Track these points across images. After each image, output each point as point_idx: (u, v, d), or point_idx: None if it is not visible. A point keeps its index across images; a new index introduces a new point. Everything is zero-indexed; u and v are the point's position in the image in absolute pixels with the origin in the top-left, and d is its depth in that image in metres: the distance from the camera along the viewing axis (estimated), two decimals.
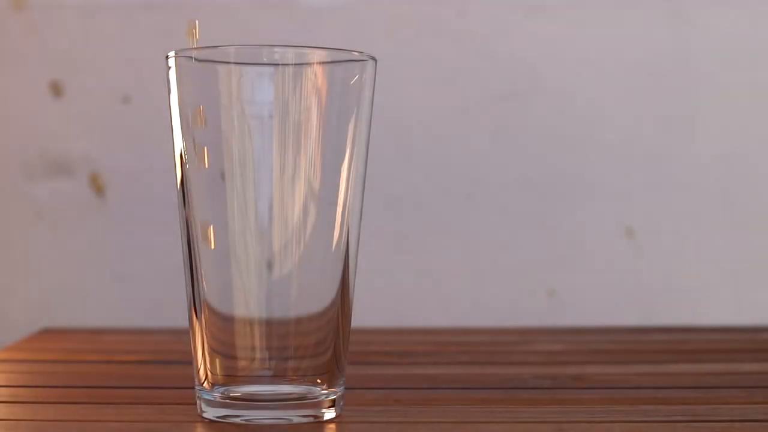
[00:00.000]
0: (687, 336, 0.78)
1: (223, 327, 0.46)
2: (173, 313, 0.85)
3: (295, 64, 0.46)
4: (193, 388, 0.48)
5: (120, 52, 0.89)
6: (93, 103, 0.89)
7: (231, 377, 0.47)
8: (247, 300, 0.47)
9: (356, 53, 0.47)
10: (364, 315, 0.74)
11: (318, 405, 0.47)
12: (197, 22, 0.44)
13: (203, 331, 0.47)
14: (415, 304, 0.90)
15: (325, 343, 0.47)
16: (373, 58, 0.48)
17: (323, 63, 0.46)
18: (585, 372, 0.60)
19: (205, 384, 0.47)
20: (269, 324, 0.46)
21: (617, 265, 0.91)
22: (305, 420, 0.46)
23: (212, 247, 0.47)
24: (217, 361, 0.47)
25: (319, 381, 0.47)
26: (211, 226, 0.47)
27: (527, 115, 0.90)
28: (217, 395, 0.47)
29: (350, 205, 0.47)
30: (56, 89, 0.89)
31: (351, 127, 0.47)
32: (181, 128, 0.47)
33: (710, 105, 0.91)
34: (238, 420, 0.46)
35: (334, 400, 0.47)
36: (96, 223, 0.89)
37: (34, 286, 0.90)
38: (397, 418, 0.48)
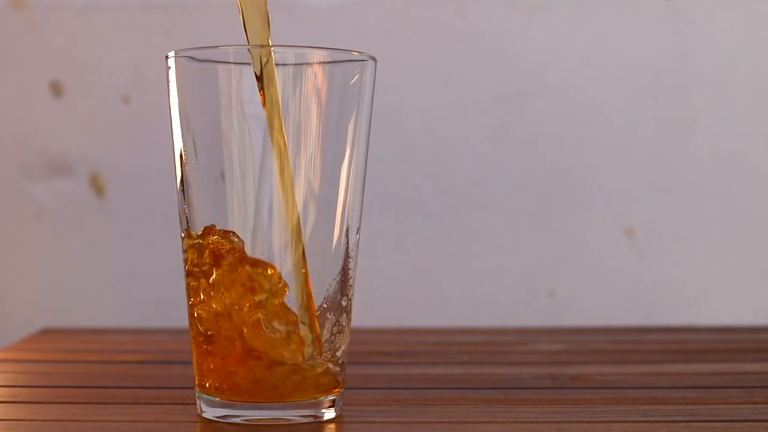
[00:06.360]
0: (687, 336, 0.78)
1: None
2: (173, 313, 0.85)
3: (295, 64, 0.46)
4: (193, 388, 0.48)
5: (120, 52, 0.89)
6: (93, 103, 0.89)
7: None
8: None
9: (356, 53, 0.47)
10: (364, 315, 0.74)
11: (318, 405, 0.47)
12: None
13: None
14: (415, 304, 0.90)
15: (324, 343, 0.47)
16: (373, 58, 0.48)
17: (323, 63, 0.46)
18: (585, 372, 0.60)
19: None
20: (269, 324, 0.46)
21: (617, 265, 0.91)
22: (305, 420, 0.46)
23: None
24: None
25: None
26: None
27: (527, 115, 0.90)
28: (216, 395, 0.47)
29: (350, 205, 0.47)
30: (56, 89, 0.89)
31: (351, 127, 0.47)
32: (181, 128, 0.47)
33: (710, 105, 0.91)
34: (238, 420, 0.46)
35: (334, 400, 0.47)
36: (96, 223, 0.89)
37: (34, 286, 0.90)
38: (397, 418, 0.48)
